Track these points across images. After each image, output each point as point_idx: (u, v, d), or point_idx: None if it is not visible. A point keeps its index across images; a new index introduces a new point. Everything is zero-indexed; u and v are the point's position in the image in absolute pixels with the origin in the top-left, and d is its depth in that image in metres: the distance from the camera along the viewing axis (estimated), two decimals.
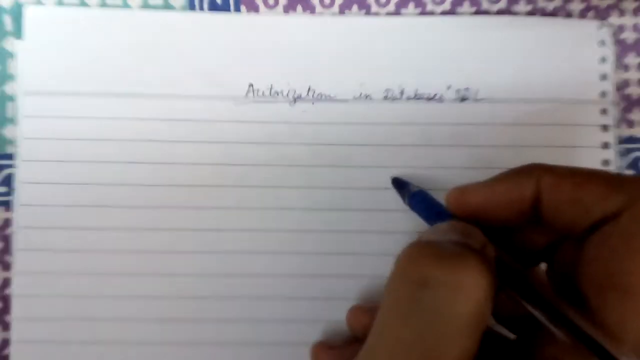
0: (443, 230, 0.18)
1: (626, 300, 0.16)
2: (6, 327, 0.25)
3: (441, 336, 0.14)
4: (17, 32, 0.26)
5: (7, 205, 0.26)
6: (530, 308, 0.17)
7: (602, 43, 0.27)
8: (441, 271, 0.15)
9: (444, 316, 0.14)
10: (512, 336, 0.20)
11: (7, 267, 0.26)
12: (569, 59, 0.27)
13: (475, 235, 0.18)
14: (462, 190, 0.20)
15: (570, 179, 0.18)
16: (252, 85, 0.26)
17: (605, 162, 0.26)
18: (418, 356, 0.14)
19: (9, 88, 0.26)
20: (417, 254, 0.16)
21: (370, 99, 0.26)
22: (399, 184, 0.25)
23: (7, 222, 0.26)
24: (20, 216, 0.25)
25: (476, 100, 0.26)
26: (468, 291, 0.15)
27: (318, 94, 0.26)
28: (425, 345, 0.14)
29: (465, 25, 0.27)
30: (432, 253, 0.16)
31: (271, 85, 0.26)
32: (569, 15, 0.27)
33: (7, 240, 0.26)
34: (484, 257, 0.16)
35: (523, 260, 0.20)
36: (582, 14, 0.27)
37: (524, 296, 0.17)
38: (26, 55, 0.26)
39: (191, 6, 0.27)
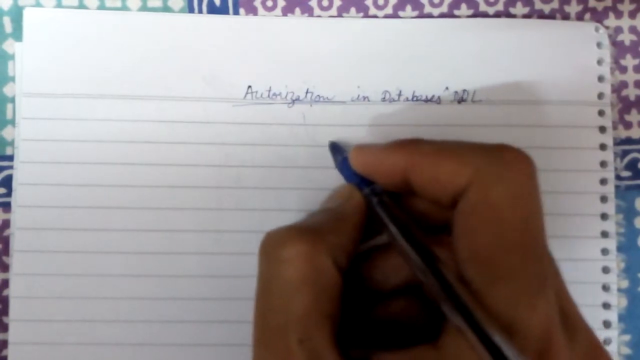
0: (328, 198, 0.23)
1: (488, 271, 0.17)
2: (4, 328, 0.25)
3: (279, 296, 0.18)
4: (17, 34, 0.26)
5: (5, 206, 0.26)
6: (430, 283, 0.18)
7: (600, 45, 0.27)
8: (272, 250, 0.19)
9: (277, 281, 0.18)
10: None
11: (5, 268, 0.26)
12: (566, 61, 0.27)
13: (336, 198, 0.22)
14: (359, 150, 0.22)
15: (431, 157, 0.19)
16: (250, 87, 0.26)
17: (603, 164, 0.26)
18: (267, 312, 0.19)
19: (8, 90, 0.26)
20: (263, 241, 0.20)
21: (368, 100, 0.26)
22: (335, 148, 0.25)
23: (5, 224, 0.26)
24: (18, 217, 0.25)
25: (473, 101, 0.26)
26: (288, 261, 0.18)
27: (316, 96, 0.26)
28: (271, 305, 0.18)
29: (462, 27, 0.27)
30: (267, 240, 0.20)
31: (269, 87, 0.26)
32: (566, 17, 0.27)
33: (5, 241, 0.26)
34: (305, 234, 0.19)
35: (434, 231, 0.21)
36: (579, 16, 0.27)
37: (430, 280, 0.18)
38: (25, 57, 0.26)
39: (190, 9, 0.27)
